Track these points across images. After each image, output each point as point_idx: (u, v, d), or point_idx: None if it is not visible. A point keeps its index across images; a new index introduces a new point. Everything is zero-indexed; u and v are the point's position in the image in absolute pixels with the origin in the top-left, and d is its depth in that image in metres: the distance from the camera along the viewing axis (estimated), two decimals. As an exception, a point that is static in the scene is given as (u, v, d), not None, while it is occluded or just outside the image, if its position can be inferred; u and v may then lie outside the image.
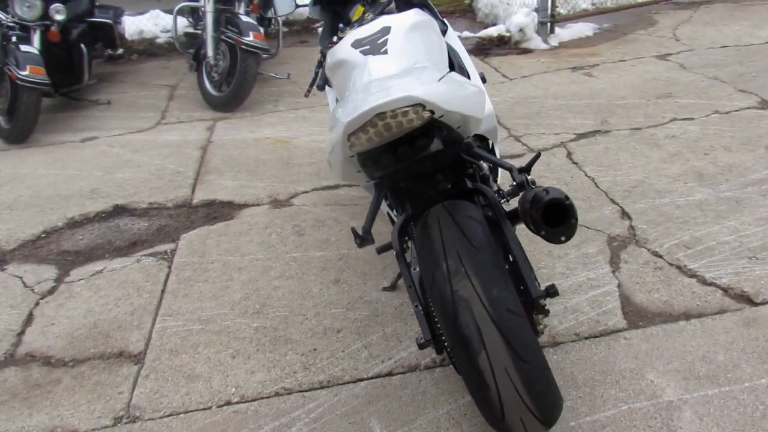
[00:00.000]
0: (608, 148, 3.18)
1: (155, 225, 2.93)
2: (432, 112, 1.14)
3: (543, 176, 2.97)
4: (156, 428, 1.76)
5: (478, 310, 1.30)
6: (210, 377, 1.93)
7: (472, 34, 5.66)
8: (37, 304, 2.40)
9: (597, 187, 2.82)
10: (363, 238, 1.59)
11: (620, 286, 2.16)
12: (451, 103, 1.18)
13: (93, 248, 2.78)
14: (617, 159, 3.05)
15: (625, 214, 2.57)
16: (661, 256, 2.28)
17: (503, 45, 5.27)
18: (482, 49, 5.27)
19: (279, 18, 4.55)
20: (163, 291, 2.39)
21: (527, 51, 5.09)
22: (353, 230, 1.59)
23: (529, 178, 1.54)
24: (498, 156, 2.23)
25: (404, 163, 1.26)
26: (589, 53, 4.86)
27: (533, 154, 3.01)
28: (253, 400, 1.83)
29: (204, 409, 1.82)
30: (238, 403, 1.83)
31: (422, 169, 1.75)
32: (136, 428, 1.77)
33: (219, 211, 2.99)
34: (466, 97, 1.29)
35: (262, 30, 4.11)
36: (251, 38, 3.96)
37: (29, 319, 2.31)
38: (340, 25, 2.23)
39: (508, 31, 5.28)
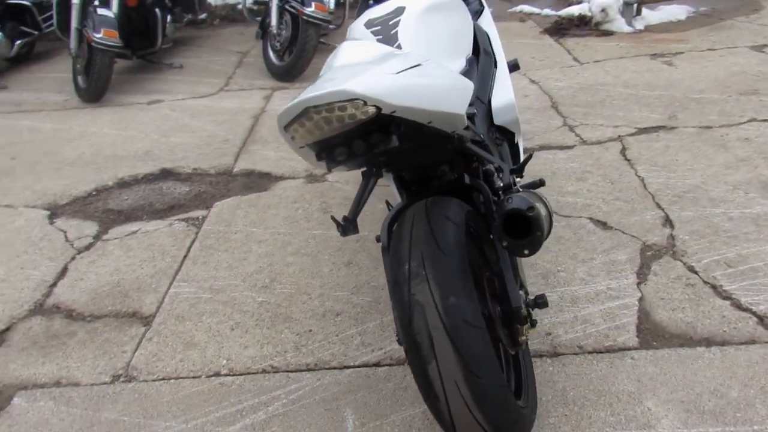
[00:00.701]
0: (669, 146, 2.93)
1: (194, 191, 3.02)
2: (379, 107, 1.07)
3: (588, 171, 2.78)
4: (146, 390, 1.84)
5: (432, 317, 1.23)
6: (206, 347, 1.98)
7: (552, 12, 5.36)
8: (73, 258, 2.55)
9: (645, 188, 2.60)
10: (345, 227, 1.54)
11: (642, 299, 1.99)
12: (405, 98, 1.10)
13: (134, 209, 2.91)
14: (675, 159, 2.80)
15: (668, 222, 2.37)
16: (696, 272, 2.09)
17: (583, 26, 4.95)
18: (559, 29, 4.99)
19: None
20: (185, 257, 2.47)
21: (608, 33, 4.75)
22: (333, 218, 1.55)
23: (516, 179, 1.44)
24: (522, 151, 2.10)
25: (360, 158, 1.20)
26: (676, 39, 4.47)
27: (585, 146, 2.81)
28: (240, 375, 1.86)
29: (194, 377, 1.87)
30: (226, 375, 1.87)
31: (414, 162, 1.69)
32: (129, 388, 1.85)
33: (256, 181, 3.04)
34: (433, 92, 1.20)
35: (326, 1, 4.08)
36: (312, 8, 3.95)
37: (63, 272, 2.46)
38: (371, 1, 2.17)
39: (590, 10, 4.95)
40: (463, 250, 1.31)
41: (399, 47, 1.75)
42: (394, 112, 1.08)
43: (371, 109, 1.04)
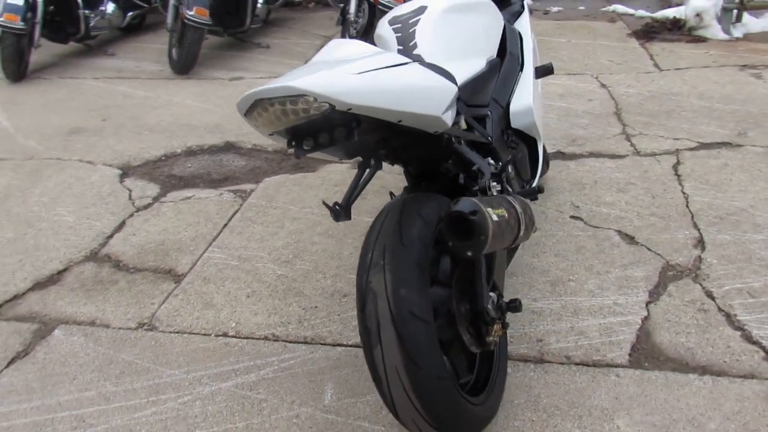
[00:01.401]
0: (727, 164, 2.78)
1: (250, 165, 3.22)
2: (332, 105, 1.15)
3: (632, 183, 2.70)
4: (162, 340, 2.04)
5: (382, 305, 1.30)
6: (221, 309, 2.16)
7: (647, 14, 5.12)
8: (131, 215, 2.82)
9: (686, 206, 2.50)
10: (337, 213, 1.64)
11: (647, 319, 1.95)
12: (362, 96, 1.16)
13: (194, 176, 3.16)
14: (729, 179, 2.66)
15: (700, 243, 2.27)
16: (713, 298, 2.00)
17: (676, 30, 4.70)
18: (649, 32, 4.76)
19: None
20: (225, 225, 2.67)
21: (700, 40, 4.49)
22: (324, 203, 1.65)
23: (493, 184, 1.47)
24: (540, 157, 2.09)
25: (329, 148, 1.28)
26: (775, 51, 4.15)
27: (637, 157, 2.74)
28: (244, 338, 2.02)
29: (204, 334, 2.05)
30: (232, 337, 2.03)
31: (411, 157, 1.75)
32: (148, 336, 2.07)
33: (307, 161, 3.19)
34: (400, 93, 1.25)
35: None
36: (387, -2, 4.04)
37: (120, 226, 2.74)
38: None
39: (685, 14, 4.69)
40: (425, 245, 1.37)
41: (414, 46, 1.82)
42: (350, 109, 1.16)
43: (324, 106, 1.13)
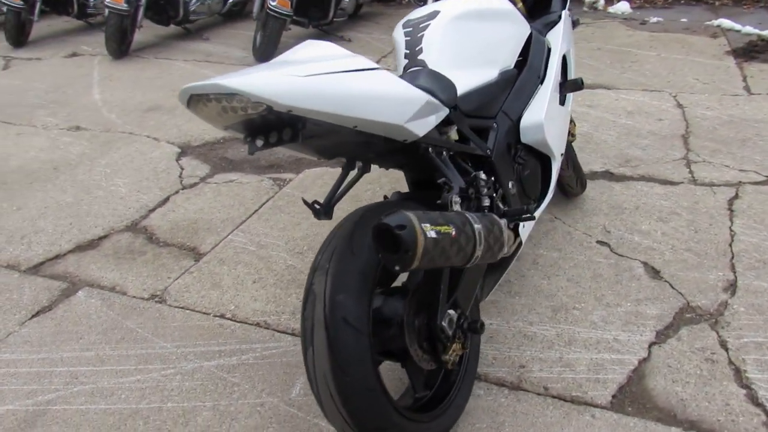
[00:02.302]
0: (793, 204, 2.50)
1: (297, 155, 3.31)
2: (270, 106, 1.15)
3: (677, 214, 2.50)
4: (166, 313, 2.16)
5: (318, 308, 1.31)
6: (226, 291, 2.25)
7: (754, 30, 4.68)
8: (176, 192, 3.00)
9: (729, 245, 2.28)
10: (317, 211, 1.66)
11: (645, 360, 1.81)
12: (304, 99, 1.15)
13: (243, 161, 3.29)
14: (789, 221, 2.39)
15: (731, 287, 2.07)
16: (727, 349, 1.82)
17: (784, 51, 4.26)
18: (751, 50, 4.35)
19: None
20: (255, 211, 2.77)
21: (809, 64, 4.04)
22: (304, 200, 1.67)
23: (455, 200, 1.41)
24: (554, 176, 1.99)
25: (268, 147, 1.29)
26: None
27: (691, 186, 2.57)
28: (238, 322, 2.09)
29: (204, 313, 2.15)
30: (228, 319, 2.11)
31: (395, 163, 1.73)
32: (154, 307, 2.19)
33: (350, 157, 3.23)
34: (352, 99, 1.22)
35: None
36: None
37: (164, 201, 2.91)
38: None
39: (797, 34, 4.24)
40: (374, 255, 1.35)
41: (420, 51, 1.79)
42: (290, 111, 1.17)
43: (261, 106, 1.14)
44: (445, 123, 1.64)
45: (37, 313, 2.20)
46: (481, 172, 1.67)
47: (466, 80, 1.74)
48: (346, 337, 1.29)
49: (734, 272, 2.14)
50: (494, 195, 1.70)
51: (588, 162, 2.95)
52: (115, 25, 4.98)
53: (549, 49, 2.03)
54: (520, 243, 1.80)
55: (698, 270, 2.17)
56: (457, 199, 1.42)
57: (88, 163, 3.33)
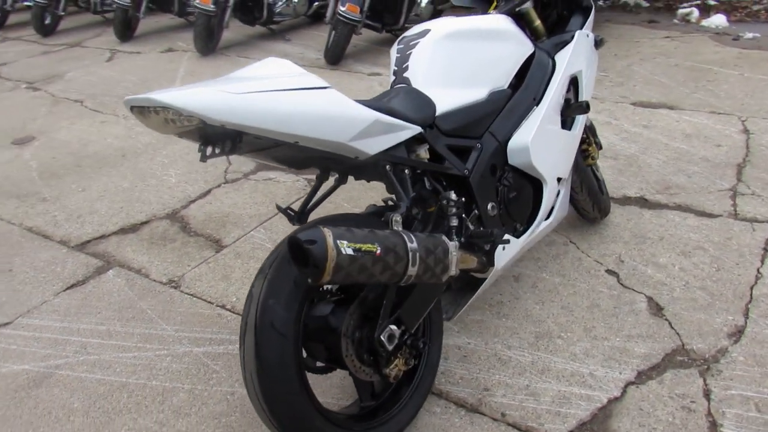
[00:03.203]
0: (840, 250, 2.27)
1: (337, 158, 3.41)
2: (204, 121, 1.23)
3: (702, 248, 2.35)
4: (175, 298, 2.33)
5: (252, 311, 1.39)
6: (233, 283, 2.39)
7: None
8: (218, 186, 3.20)
9: (751, 288, 2.12)
10: (291, 217, 1.74)
11: (616, 401, 1.74)
12: (236, 115, 1.22)
13: (286, 160, 3.44)
14: (829, 268, 2.18)
15: (736, 334, 1.93)
16: (709, 399, 1.71)
17: None
18: None
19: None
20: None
21: None
22: (278, 206, 1.75)
23: (396, 219, 1.44)
24: (545, 202, 1.94)
25: (216, 156, 1.37)
26: None
27: (730, 220, 2.45)
28: (236, 314, 2.22)
29: (208, 302, 2.30)
30: (228, 310, 2.25)
31: (364, 178, 1.78)
32: (167, 291, 2.38)
33: (386, 164, 3.29)
34: (290, 116, 1.28)
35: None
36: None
37: (205, 194, 3.12)
38: None
39: None
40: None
41: (406, 69, 1.82)
42: (223, 125, 1.25)
43: (195, 120, 1.23)
44: (420, 141, 1.67)
45: (71, 286, 2.45)
46: (452, 192, 1.68)
47: (449, 99, 1.75)
48: (271, 341, 1.37)
49: (746, 318, 1.99)
50: (464, 216, 1.70)
51: (624, 186, 2.82)
52: (203, 24, 5.34)
53: (552, 71, 1.98)
54: (492, 266, 1.78)
55: (706, 311, 2.03)
56: (398, 218, 1.45)
57: (151, 153, 3.63)
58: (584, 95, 2.10)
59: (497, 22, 1.90)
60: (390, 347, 1.51)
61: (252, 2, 5.76)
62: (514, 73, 1.90)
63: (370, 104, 1.56)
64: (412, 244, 1.39)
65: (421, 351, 1.59)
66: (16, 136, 4.07)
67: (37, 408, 1.87)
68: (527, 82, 1.92)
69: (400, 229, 1.44)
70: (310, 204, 1.78)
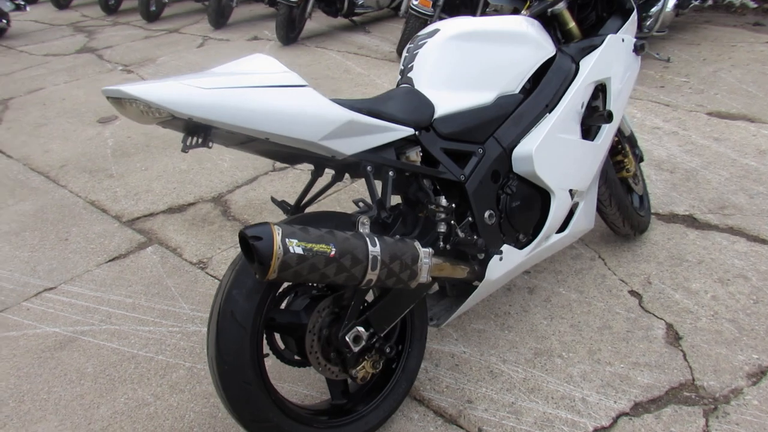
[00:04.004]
0: None
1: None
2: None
3: (744, 277, 2.14)
4: (200, 278, 2.45)
5: (218, 299, 1.43)
6: (254, 270, 2.47)
7: None
8: (266, 173, 3.31)
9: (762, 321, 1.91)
10: (285, 210, 1.78)
11: (603, 430, 1.63)
12: (203, 109, 1.24)
13: (335, 152, 3.49)
14: None
15: (757, 375, 1.75)
16: (706, 442, 1.57)
17: None
18: None
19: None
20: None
21: None
22: (273, 199, 1.78)
23: (363, 221, 1.42)
24: (552, 214, 1.84)
25: (193, 147, 1.41)
26: None
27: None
28: (249, 299, 2.30)
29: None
30: (243, 295, 2.33)
31: (354, 175, 1.78)
32: (195, 272, 2.50)
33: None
34: (256, 112, 1.28)
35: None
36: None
37: (252, 180, 3.24)
38: None
39: None
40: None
41: (411, 69, 1.79)
42: (191, 119, 1.29)
43: (165, 113, 1.28)
44: (414, 143, 1.65)
45: (113, 259, 2.64)
46: (442, 197, 1.65)
47: (450, 102, 1.71)
48: (229, 330, 1.41)
49: (757, 357, 1.80)
50: (452, 222, 1.66)
51: (673, 202, 2.62)
52: (284, 14, 5.51)
53: (573, 77, 1.87)
54: (482, 277, 1.72)
55: (729, 346, 1.86)
56: (365, 221, 1.44)
57: (213, 138, 3.80)
58: (611, 104, 1.96)
59: (514, 23, 1.82)
60: (355, 348, 1.51)
61: (335, -6, 5.88)
62: (527, 78, 1.82)
63: (359, 104, 1.56)
64: (374, 248, 1.38)
65: (388, 356, 1.58)
66: (102, 114, 4.41)
67: (56, 369, 2.04)
68: (541, 88, 1.83)
69: (367, 231, 1.43)
70: (306, 199, 1.81)
